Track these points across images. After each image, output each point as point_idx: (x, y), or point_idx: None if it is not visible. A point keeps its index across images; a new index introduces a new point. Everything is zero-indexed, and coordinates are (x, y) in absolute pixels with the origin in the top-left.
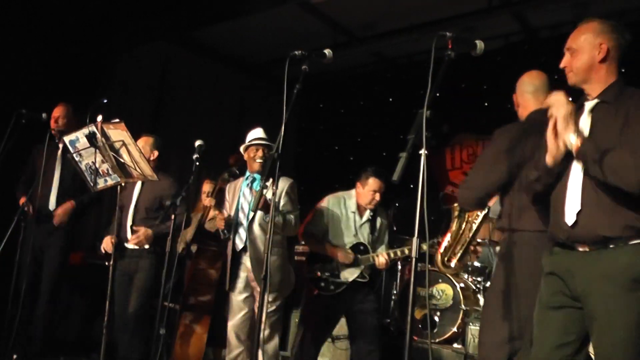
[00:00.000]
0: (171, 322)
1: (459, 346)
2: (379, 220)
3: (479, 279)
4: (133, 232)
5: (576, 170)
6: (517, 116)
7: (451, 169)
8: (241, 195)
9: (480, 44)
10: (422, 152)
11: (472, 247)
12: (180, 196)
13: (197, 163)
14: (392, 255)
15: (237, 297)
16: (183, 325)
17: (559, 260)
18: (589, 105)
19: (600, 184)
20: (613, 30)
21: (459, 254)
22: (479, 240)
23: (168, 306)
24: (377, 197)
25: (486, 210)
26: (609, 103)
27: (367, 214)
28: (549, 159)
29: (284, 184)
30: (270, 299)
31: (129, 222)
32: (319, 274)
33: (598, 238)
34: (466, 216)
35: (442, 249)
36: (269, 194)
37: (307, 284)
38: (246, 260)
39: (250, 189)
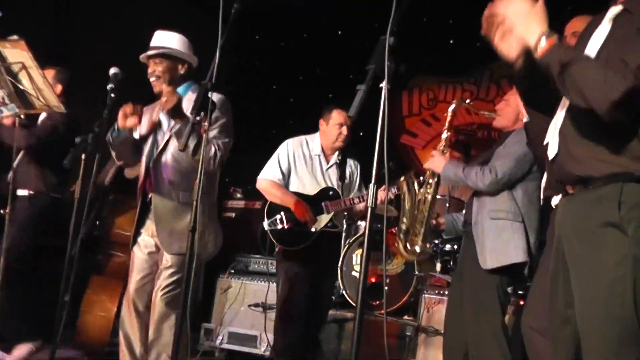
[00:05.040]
0: (78, 287)
1: (410, 318)
2: (349, 165)
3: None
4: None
5: None
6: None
7: (408, 115)
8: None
9: None
10: (384, 85)
11: (433, 222)
12: (92, 133)
13: (112, 94)
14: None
15: (139, 254)
16: (90, 292)
17: (559, 205)
18: (611, 12)
19: (581, 110)
20: None
21: (421, 234)
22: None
23: (74, 268)
24: (344, 131)
25: (436, 178)
26: (633, 13)
27: (334, 157)
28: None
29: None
30: (171, 264)
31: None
32: (282, 225)
33: (573, 177)
34: (417, 190)
35: (400, 234)
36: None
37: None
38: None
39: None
